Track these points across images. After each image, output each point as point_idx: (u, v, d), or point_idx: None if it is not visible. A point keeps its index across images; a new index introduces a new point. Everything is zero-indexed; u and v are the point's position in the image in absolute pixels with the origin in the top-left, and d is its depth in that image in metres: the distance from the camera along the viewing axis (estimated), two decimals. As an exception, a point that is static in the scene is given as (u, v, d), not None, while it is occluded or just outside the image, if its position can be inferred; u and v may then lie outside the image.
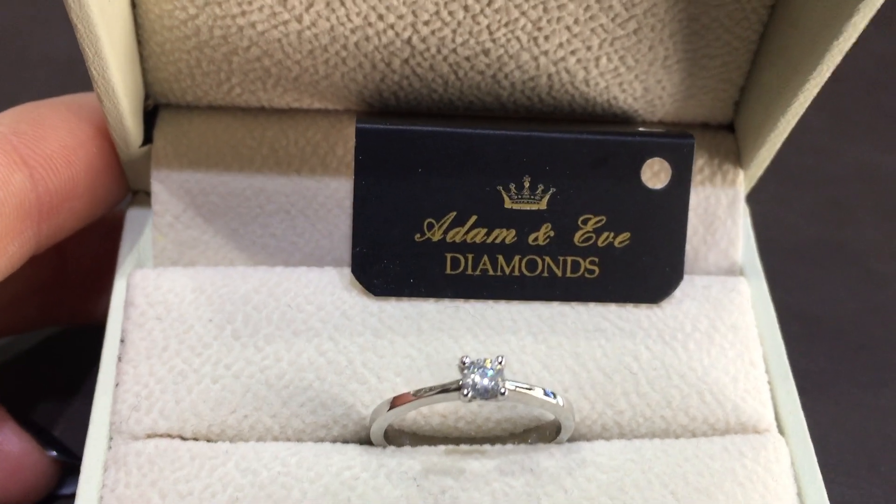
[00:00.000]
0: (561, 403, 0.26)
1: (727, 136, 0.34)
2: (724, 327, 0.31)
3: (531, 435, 0.29)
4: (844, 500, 0.34)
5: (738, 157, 0.34)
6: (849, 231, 0.45)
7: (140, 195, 0.34)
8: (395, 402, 0.25)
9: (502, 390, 0.24)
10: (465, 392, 0.24)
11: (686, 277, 0.31)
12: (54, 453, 0.32)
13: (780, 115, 0.31)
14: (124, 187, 0.33)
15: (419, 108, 0.33)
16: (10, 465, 0.31)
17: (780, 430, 0.30)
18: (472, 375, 0.24)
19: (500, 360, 0.24)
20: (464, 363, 0.24)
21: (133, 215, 0.33)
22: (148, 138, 0.32)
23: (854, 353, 0.41)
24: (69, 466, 0.32)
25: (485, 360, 0.24)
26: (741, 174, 0.34)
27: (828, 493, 0.28)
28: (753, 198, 0.35)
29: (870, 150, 0.47)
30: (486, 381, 0.24)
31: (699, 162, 0.33)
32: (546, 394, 0.25)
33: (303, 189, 0.32)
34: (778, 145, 0.33)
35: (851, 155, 0.47)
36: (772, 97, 0.32)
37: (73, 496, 0.29)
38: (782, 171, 0.34)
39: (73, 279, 0.36)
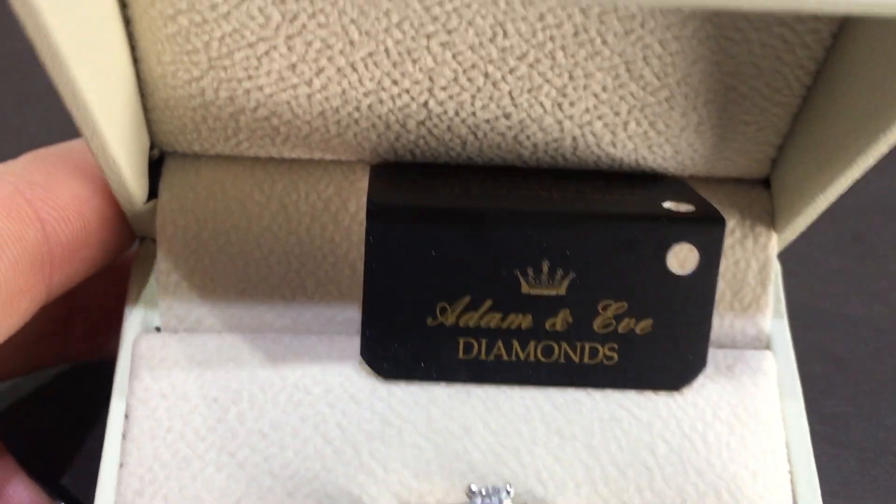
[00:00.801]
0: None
1: (762, 192, 0.32)
2: (745, 415, 0.29)
3: (541, 524, 0.28)
4: None
5: (772, 218, 0.32)
6: (871, 265, 0.43)
7: (147, 242, 0.33)
8: (401, 514, 0.25)
9: (509, 524, 0.23)
10: (472, 524, 0.23)
11: (708, 354, 0.30)
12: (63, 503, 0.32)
13: (825, 184, 0.29)
14: (131, 237, 0.32)
15: (437, 162, 0.32)
16: None
17: (799, 525, 0.29)
18: (479, 506, 0.23)
19: (508, 488, 0.24)
20: (472, 492, 0.23)
21: (140, 265, 0.32)
22: (153, 191, 0.31)
23: (878, 394, 0.40)
24: None
25: (493, 491, 0.23)
26: (774, 237, 0.32)
27: None
28: None
29: (892, 183, 0.45)
30: (492, 516, 0.23)
31: (730, 223, 0.32)
32: (555, 512, 0.24)
33: (313, 250, 0.31)
34: (818, 213, 0.31)
35: (874, 187, 0.45)
36: (817, 163, 0.30)
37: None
38: None
39: (80, 322, 0.35)
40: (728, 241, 0.32)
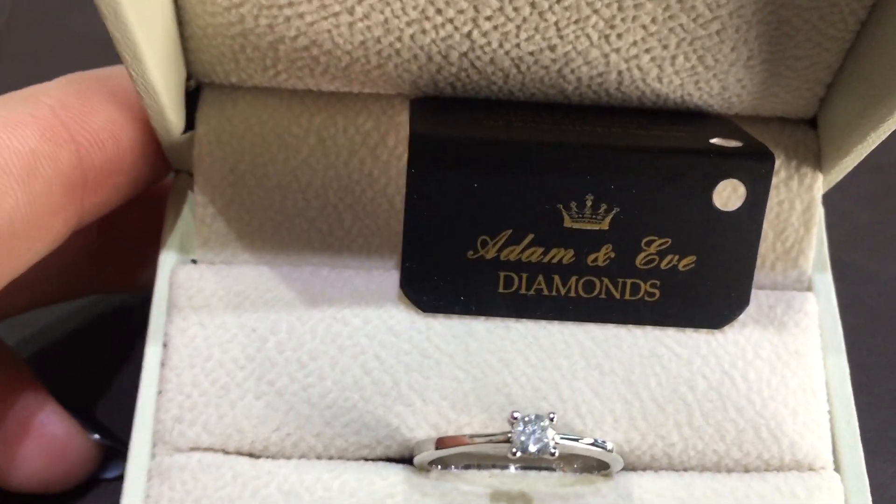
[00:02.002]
0: (610, 449, 0.25)
1: (808, 132, 0.32)
2: (786, 354, 0.29)
3: (577, 461, 0.28)
4: (893, 495, 0.33)
5: (818, 159, 0.32)
6: None
7: (182, 175, 0.32)
8: (440, 443, 0.25)
9: (552, 451, 0.23)
10: (514, 451, 0.23)
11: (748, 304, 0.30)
12: (97, 437, 0.32)
13: (873, 126, 0.28)
14: (167, 167, 0.32)
15: (478, 96, 0.31)
16: (53, 448, 0.31)
17: (837, 465, 0.29)
18: (522, 434, 0.23)
19: (551, 416, 0.23)
20: (514, 418, 0.23)
21: (176, 198, 0.32)
22: (190, 123, 0.31)
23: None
24: (112, 450, 0.33)
25: (536, 418, 0.23)
26: (820, 178, 0.31)
27: (876, 485, 0.28)
28: None
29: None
30: (534, 443, 0.23)
31: (776, 164, 0.31)
32: (595, 443, 0.24)
33: (351, 183, 0.31)
34: (867, 152, 0.30)
35: None
36: (867, 102, 0.29)
37: (114, 480, 0.29)
38: None
39: (116, 249, 0.35)
40: (773, 181, 0.31)
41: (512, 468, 0.28)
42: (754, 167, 0.27)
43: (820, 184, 0.31)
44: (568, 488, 0.27)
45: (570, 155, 0.27)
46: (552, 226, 0.28)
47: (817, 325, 0.30)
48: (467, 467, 0.27)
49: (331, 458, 0.28)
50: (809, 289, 0.31)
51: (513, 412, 0.23)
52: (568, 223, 0.28)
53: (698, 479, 0.28)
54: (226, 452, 0.28)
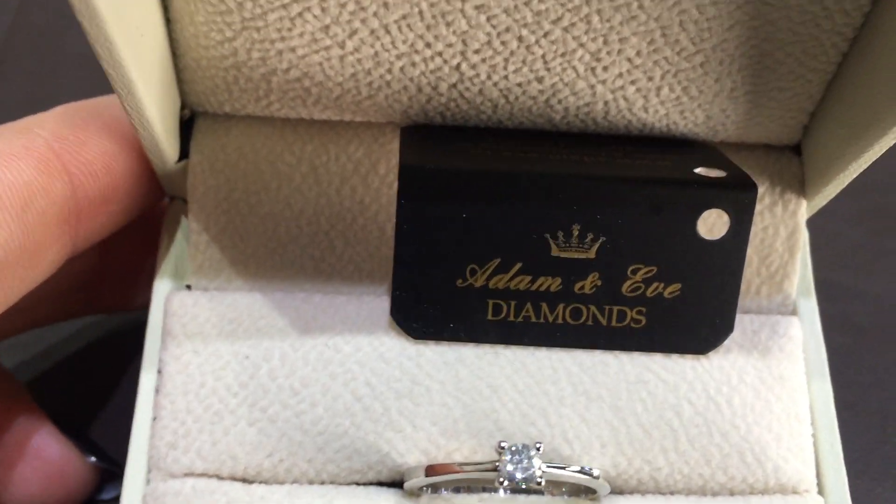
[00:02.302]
0: (597, 476, 0.25)
1: (792, 158, 0.32)
2: (770, 379, 0.30)
3: (566, 485, 0.28)
4: None
5: (801, 185, 0.32)
6: (893, 238, 0.43)
7: (177, 202, 0.33)
8: (430, 471, 0.25)
9: (538, 481, 0.24)
10: (501, 480, 0.24)
11: (735, 319, 0.30)
12: (94, 459, 0.33)
13: (858, 152, 0.29)
14: (161, 193, 0.33)
15: (467, 124, 0.32)
16: (50, 471, 0.32)
17: (821, 489, 0.29)
18: (509, 465, 0.24)
19: (537, 446, 0.24)
20: (502, 448, 0.24)
21: (170, 224, 0.32)
22: (184, 151, 0.31)
23: (901, 365, 0.40)
24: (108, 472, 0.33)
25: (523, 449, 0.24)
26: (804, 204, 0.32)
27: None
28: None
29: (915, 156, 0.45)
30: (521, 473, 0.23)
31: (760, 189, 0.32)
32: (583, 471, 0.25)
33: (343, 211, 0.31)
34: (849, 180, 0.31)
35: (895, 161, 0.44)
36: (849, 131, 0.29)
37: (110, 502, 0.30)
38: None
39: (111, 272, 0.36)
40: (757, 207, 0.32)
41: (501, 493, 0.28)
42: (738, 197, 0.28)
43: (804, 210, 0.32)
44: (556, 511, 0.27)
45: (557, 185, 0.28)
46: (540, 255, 0.28)
47: (801, 350, 0.31)
48: (457, 490, 0.28)
49: (323, 483, 0.28)
50: (794, 313, 0.32)
51: (500, 442, 0.24)
52: (555, 252, 0.28)
53: (684, 502, 0.28)
54: (219, 478, 0.28)
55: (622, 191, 0.28)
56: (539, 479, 0.24)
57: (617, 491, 0.29)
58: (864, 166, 0.29)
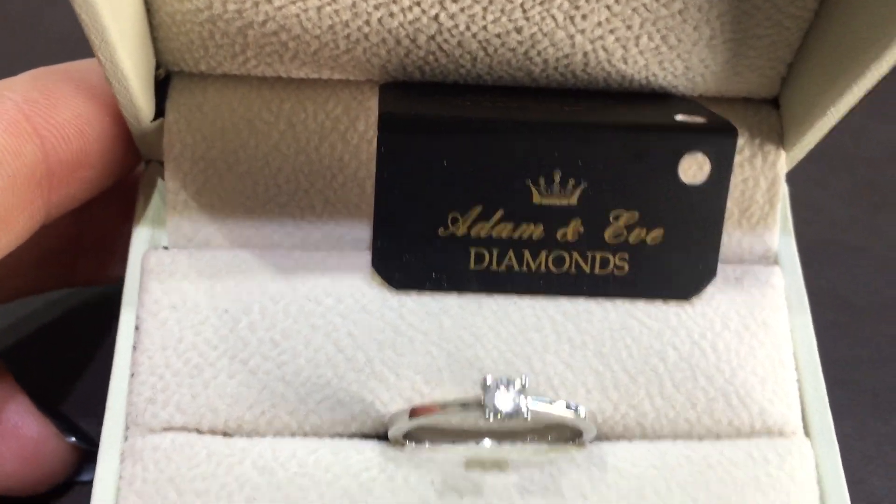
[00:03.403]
0: (583, 415, 0.25)
1: (771, 111, 0.33)
2: (754, 325, 0.30)
3: (552, 432, 0.28)
4: (871, 491, 0.33)
5: (781, 137, 0.32)
6: (885, 214, 0.43)
7: (154, 165, 0.33)
8: (415, 413, 0.25)
9: (525, 413, 0.23)
10: (486, 413, 0.23)
11: (718, 266, 0.30)
12: (73, 440, 0.32)
13: (832, 101, 0.29)
14: (138, 156, 0.32)
15: (446, 80, 0.32)
16: (27, 451, 0.31)
17: (807, 431, 0.29)
18: (495, 397, 0.23)
19: (523, 379, 0.24)
20: (486, 382, 0.23)
21: (147, 187, 0.32)
22: (160, 111, 0.31)
23: (891, 339, 0.39)
24: (88, 453, 0.32)
25: (508, 381, 0.23)
26: (783, 156, 0.32)
27: (853, 481, 0.28)
28: (787, 177, 0.33)
29: (907, 132, 0.45)
30: (507, 405, 0.23)
31: (739, 141, 0.32)
32: (569, 407, 0.25)
33: (322, 168, 0.31)
34: (826, 130, 0.31)
35: (888, 136, 0.45)
36: (824, 81, 0.30)
37: (90, 483, 0.29)
38: (817, 152, 0.32)
39: (88, 242, 0.35)
40: (737, 158, 0.32)
41: (486, 442, 0.28)
42: (718, 141, 0.28)
43: (783, 161, 0.32)
44: (542, 457, 0.27)
45: (537, 131, 0.28)
46: (521, 202, 0.28)
47: (784, 299, 0.31)
48: (442, 442, 0.28)
49: (305, 435, 0.28)
50: (776, 263, 0.32)
51: (485, 377, 0.23)
52: (537, 199, 0.28)
53: (671, 446, 0.28)
54: (199, 432, 0.27)
55: (603, 136, 0.28)
56: (526, 414, 0.23)
57: (603, 437, 0.28)
58: (842, 112, 0.30)
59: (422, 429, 0.28)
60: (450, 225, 0.28)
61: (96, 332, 0.37)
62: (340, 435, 0.28)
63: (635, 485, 0.27)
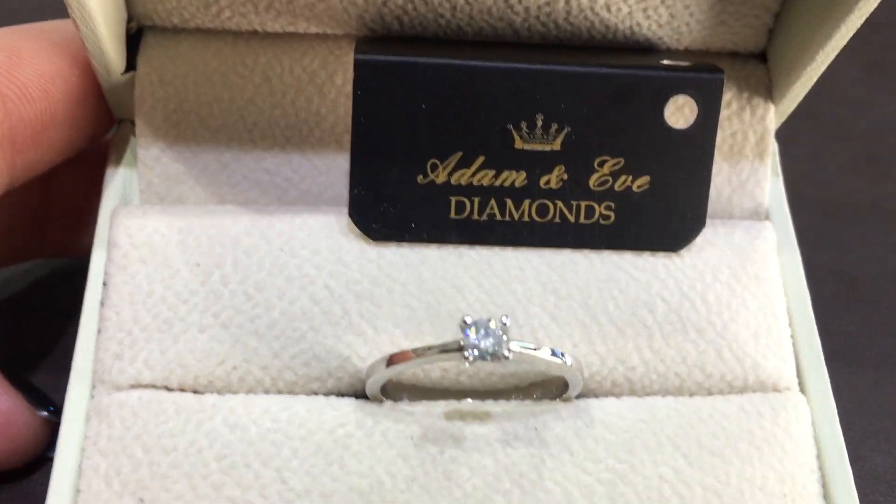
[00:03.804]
0: (569, 363, 0.24)
1: (758, 65, 0.32)
2: (746, 278, 0.29)
3: (537, 390, 0.27)
4: (873, 467, 0.32)
5: (769, 90, 0.31)
6: (886, 186, 0.42)
7: (125, 124, 0.32)
8: (392, 360, 0.24)
9: (506, 353, 0.22)
10: (467, 354, 0.22)
11: (707, 222, 0.29)
12: (45, 413, 0.31)
13: (820, 44, 0.28)
14: (109, 117, 0.31)
15: (425, 34, 0.31)
16: None
17: (802, 388, 0.28)
18: (475, 337, 0.22)
19: (504, 319, 0.23)
20: (465, 323, 0.22)
21: (118, 146, 0.31)
22: (132, 65, 0.30)
23: (891, 312, 0.38)
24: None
25: (488, 321, 0.22)
26: (772, 109, 0.31)
27: (854, 457, 0.27)
28: (786, 151, 0.33)
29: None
30: (488, 344, 0.22)
31: (727, 95, 0.31)
32: (554, 353, 0.24)
33: (298, 122, 0.30)
34: (815, 78, 0.30)
35: (888, 107, 0.44)
36: (812, 24, 0.29)
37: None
38: (815, 123, 0.31)
39: (57, 211, 0.34)
40: (724, 112, 0.31)
41: (469, 401, 0.27)
42: (704, 81, 0.27)
43: (772, 115, 0.31)
44: (526, 414, 0.26)
45: (518, 75, 0.27)
46: (503, 148, 0.27)
47: (776, 253, 0.30)
48: (421, 400, 0.26)
49: (279, 392, 0.27)
50: (767, 219, 0.31)
51: (463, 317, 0.22)
52: (519, 144, 0.27)
53: (661, 401, 0.27)
54: (168, 389, 0.26)
55: (586, 79, 0.27)
56: (507, 353, 0.22)
57: (590, 394, 0.27)
58: (832, 55, 0.29)
59: (401, 386, 0.27)
60: (429, 172, 0.27)
61: (69, 304, 0.36)
62: (316, 393, 0.27)
63: (623, 438, 0.26)
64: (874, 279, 0.39)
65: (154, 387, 0.26)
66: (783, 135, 0.32)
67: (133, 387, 0.26)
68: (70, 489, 0.25)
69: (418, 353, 0.23)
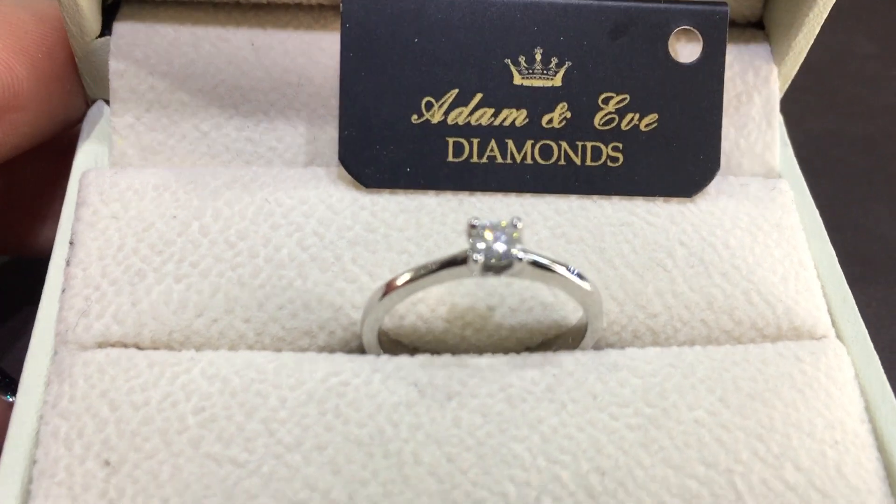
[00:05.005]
0: (589, 288, 0.21)
1: (757, 32, 0.31)
2: (767, 225, 0.27)
3: (551, 346, 0.24)
4: None
5: (769, 54, 0.30)
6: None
7: (98, 103, 0.30)
8: (387, 289, 0.21)
9: (519, 256, 0.20)
10: (476, 258, 0.20)
11: (719, 177, 0.27)
12: (11, 399, 0.28)
13: (811, 4, 0.27)
14: (81, 100, 0.29)
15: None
16: None
17: (839, 340, 0.26)
18: (484, 240, 0.20)
19: (516, 222, 0.20)
20: (473, 226, 0.20)
21: (91, 118, 0.29)
22: (108, 31, 0.29)
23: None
24: None
25: (500, 222, 0.20)
26: (775, 71, 0.30)
27: None
28: (800, 129, 0.31)
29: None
30: (499, 246, 0.20)
31: (728, 56, 0.30)
32: (570, 271, 0.21)
33: (283, 86, 0.28)
34: (812, 37, 0.29)
35: None
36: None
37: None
38: (831, 101, 0.30)
39: (21, 203, 0.32)
40: (727, 73, 0.30)
41: (476, 358, 0.24)
42: (708, 12, 0.26)
43: (776, 76, 0.30)
44: (541, 357, 0.23)
45: (515, 7, 0.26)
46: (501, 84, 0.26)
47: (794, 204, 0.28)
48: (416, 351, 0.24)
49: (264, 348, 0.24)
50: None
51: (469, 220, 0.20)
52: (518, 80, 0.26)
53: (688, 350, 0.24)
54: (139, 347, 0.23)
55: (586, 10, 0.26)
56: (519, 254, 0.20)
57: (609, 346, 0.25)
58: (825, 13, 0.28)
59: (399, 343, 0.24)
60: (424, 111, 0.25)
61: (39, 289, 0.33)
62: (305, 349, 0.24)
63: (651, 382, 0.23)
64: (890, 258, 0.38)
65: (123, 344, 0.23)
66: (797, 113, 0.31)
67: (100, 345, 0.23)
68: (25, 459, 0.22)
69: (416, 272, 0.21)
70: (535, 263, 0.20)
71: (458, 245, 0.25)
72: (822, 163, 0.30)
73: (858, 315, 0.26)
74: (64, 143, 0.31)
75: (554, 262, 0.21)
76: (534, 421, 0.22)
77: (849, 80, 0.35)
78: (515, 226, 0.20)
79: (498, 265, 0.20)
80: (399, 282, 0.21)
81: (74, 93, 0.29)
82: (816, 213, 0.29)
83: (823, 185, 0.31)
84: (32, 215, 0.32)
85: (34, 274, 0.33)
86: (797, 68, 0.31)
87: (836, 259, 0.28)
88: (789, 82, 0.31)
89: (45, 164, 0.32)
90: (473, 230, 0.20)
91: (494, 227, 0.20)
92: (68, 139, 0.31)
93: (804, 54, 0.30)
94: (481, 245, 0.20)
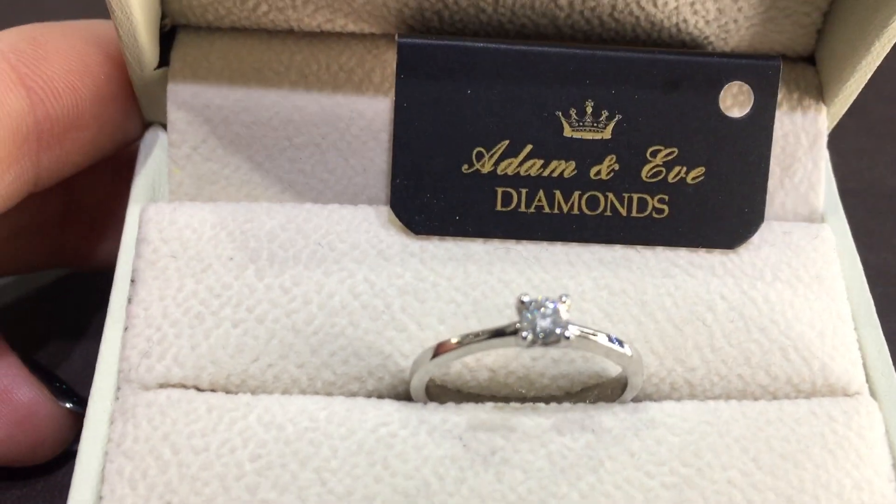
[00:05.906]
0: (629, 353, 0.22)
1: (807, 68, 0.31)
2: (808, 277, 0.27)
3: (591, 394, 0.25)
4: None
5: (819, 92, 0.30)
6: None
7: (155, 126, 0.31)
8: (438, 350, 0.22)
9: (566, 334, 0.21)
10: (524, 335, 0.21)
11: (763, 222, 0.28)
12: (69, 405, 0.29)
13: (870, 43, 0.27)
14: (138, 121, 0.30)
15: (465, 32, 0.30)
16: (20, 415, 0.28)
17: (872, 394, 0.26)
18: (532, 316, 0.21)
19: (563, 299, 0.21)
20: (522, 303, 0.21)
21: (148, 144, 0.30)
22: (165, 61, 0.29)
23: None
24: None
25: (546, 300, 0.21)
26: (824, 110, 0.30)
27: None
28: (834, 148, 0.31)
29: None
30: (547, 323, 0.20)
31: (777, 97, 0.30)
32: (612, 340, 0.22)
33: (335, 119, 0.29)
34: (866, 78, 0.29)
35: None
36: (862, 22, 0.28)
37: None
38: (864, 120, 0.30)
39: (80, 218, 0.33)
40: (776, 113, 0.30)
41: (515, 404, 0.25)
42: (761, 67, 0.26)
43: (825, 116, 0.30)
44: (581, 413, 0.24)
45: (568, 60, 0.26)
46: (552, 135, 0.26)
47: (836, 254, 0.28)
48: (464, 400, 0.25)
49: (316, 392, 0.25)
50: (823, 223, 0.30)
51: (519, 296, 0.21)
52: (568, 132, 0.26)
53: (724, 405, 0.25)
54: (199, 389, 0.25)
55: (637, 64, 0.26)
56: (567, 332, 0.21)
57: (648, 398, 0.26)
58: (883, 54, 0.28)
59: (445, 391, 0.25)
60: (474, 161, 0.26)
61: (98, 296, 0.34)
62: (355, 394, 0.25)
63: (687, 440, 0.24)
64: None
65: (184, 386, 0.25)
66: (831, 133, 0.31)
67: (162, 385, 0.25)
68: (92, 495, 0.23)
69: (466, 340, 0.22)
70: (582, 338, 0.21)
71: (503, 297, 0.25)
72: (855, 182, 0.30)
73: (892, 368, 0.27)
74: (121, 162, 0.32)
75: (596, 332, 0.21)
76: (573, 478, 0.23)
77: (883, 100, 0.35)
78: (564, 301, 0.21)
79: (545, 341, 0.21)
80: (450, 347, 0.22)
81: (132, 114, 0.30)
82: (857, 258, 0.29)
83: (857, 205, 0.31)
84: (91, 231, 0.33)
85: (92, 286, 0.34)
86: (847, 108, 0.31)
87: (873, 308, 0.28)
88: (837, 120, 0.31)
89: (104, 182, 0.33)
90: (523, 306, 0.21)
91: (543, 304, 0.21)
92: (126, 157, 0.32)
93: (855, 95, 0.30)
94: (530, 321, 0.21)
